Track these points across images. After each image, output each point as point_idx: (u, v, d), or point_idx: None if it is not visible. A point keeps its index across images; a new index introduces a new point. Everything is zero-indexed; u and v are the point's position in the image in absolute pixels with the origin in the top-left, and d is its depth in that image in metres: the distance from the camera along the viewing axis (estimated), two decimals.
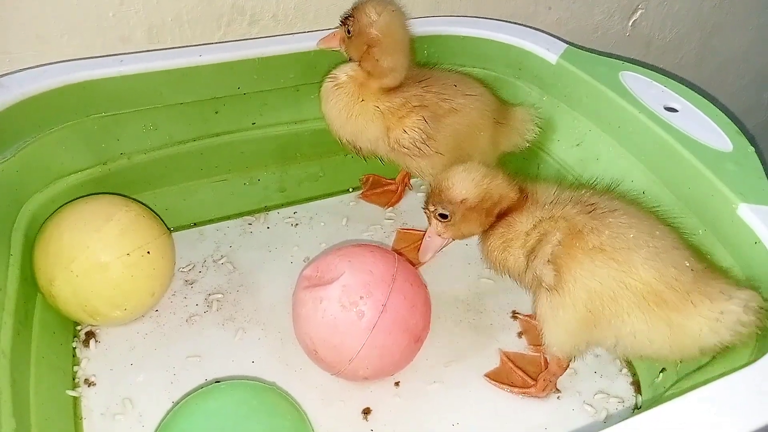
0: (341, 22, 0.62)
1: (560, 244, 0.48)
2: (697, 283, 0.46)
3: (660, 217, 0.52)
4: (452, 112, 0.62)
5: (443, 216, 0.55)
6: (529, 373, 0.58)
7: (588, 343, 0.51)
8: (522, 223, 0.53)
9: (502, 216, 0.54)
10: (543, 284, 0.49)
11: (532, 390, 0.56)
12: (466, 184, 0.53)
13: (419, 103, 0.61)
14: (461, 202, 0.53)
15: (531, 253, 0.51)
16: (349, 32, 0.61)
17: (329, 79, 0.64)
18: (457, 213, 0.54)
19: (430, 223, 0.57)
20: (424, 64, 0.71)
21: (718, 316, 0.44)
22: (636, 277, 0.46)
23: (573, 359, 0.56)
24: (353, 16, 0.61)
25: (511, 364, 0.59)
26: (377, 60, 0.61)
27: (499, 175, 0.54)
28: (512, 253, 0.53)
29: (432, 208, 0.55)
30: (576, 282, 0.48)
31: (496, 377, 0.58)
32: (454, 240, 0.58)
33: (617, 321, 0.47)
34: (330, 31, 0.65)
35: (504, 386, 0.57)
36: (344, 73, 0.63)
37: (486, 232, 0.56)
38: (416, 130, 0.61)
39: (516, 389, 0.57)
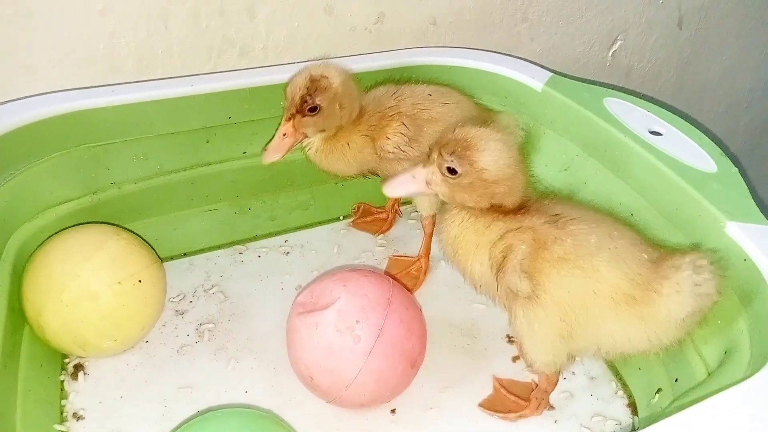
0: (296, 112, 0.60)
1: (527, 257, 0.48)
2: (654, 271, 0.46)
3: (615, 216, 0.53)
4: (431, 121, 0.63)
5: (451, 171, 0.49)
6: (522, 398, 0.58)
7: (569, 354, 0.51)
8: (495, 229, 0.50)
9: (488, 210, 0.51)
10: (519, 295, 0.49)
11: (527, 411, 0.56)
12: (497, 156, 0.49)
13: (396, 112, 0.63)
14: (481, 170, 0.48)
15: (498, 267, 0.49)
16: (315, 109, 0.60)
17: (307, 149, 0.65)
18: (467, 177, 0.49)
19: (424, 165, 0.51)
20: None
21: (676, 289, 0.45)
22: (602, 281, 0.46)
23: (560, 373, 0.56)
24: (315, 93, 0.60)
25: (504, 391, 0.59)
26: (346, 110, 0.62)
27: (523, 167, 0.51)
28: (478, 258, 0.51)
29: (446, 158, 0.49)
30: (546, 294, 0.48)
31: (490, 406, 0.57)
32: (431, 195, 0.53)
33: (593, 327, 0.48)
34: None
35: (498, 413, 0.57)
36: (315, 138, 0.64)
37: (456, 220, 0.52)
38: (398, 134, 0.62)
39: (511, 415, 0.57)
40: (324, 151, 0.64)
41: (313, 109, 0.60)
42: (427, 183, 0.51)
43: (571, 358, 0.52)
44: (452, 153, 0.49)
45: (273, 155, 0.62)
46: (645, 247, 0.49)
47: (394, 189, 0.53)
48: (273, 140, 0.62)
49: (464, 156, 0.49)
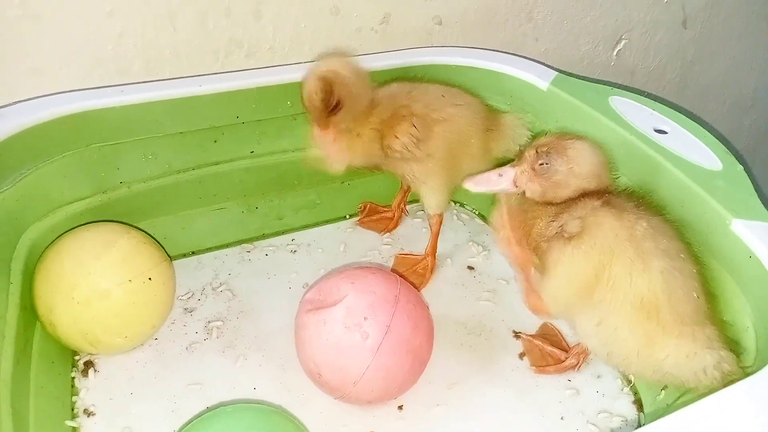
0: (328, 116, 0.61)
1: (595, 209, 0.49)
2: (693, 317, 0.47)
3: (690, 249, 0.52)
4: (442, 121, 0.64)
5: (543, 165, 0.54)
6: (558, 348, 0.61)
7: (576, 308, 0.51)
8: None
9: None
10: (564, 233, 0.49)
11: (567, 363, 0.60)
12: (591, 158, 0.53)
13: (408, 113, 0.63)
14: (571, 168, 0.53)
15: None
16: (338, 104, 0.60)
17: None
18: (559, 174, 0.53)
19: (513, 165, 0.56)
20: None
21: (688, 354, 0.46)
22: (645, 278, 0.47)
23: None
24: (332, 91, 0.60)
25: (538, 341, 0.61)
26: (362, 92, 0.62)
27: (608, 167, 0.55)
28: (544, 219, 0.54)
29: (541, 152, 0.53)
30: (596, 240, 0.48)
31: (537, 362, 0.60)
32: (517, 192, 0.56)
33: (611, 301, 0.48)
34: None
35: (548, 368, 0.59)
36: None
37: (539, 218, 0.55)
38: (407, 134, 0.62)
39: (550, 368, 0.59)
40: (335, 143, 0.64)
41: (337, 105, 0.60)
42: (514, 182, 0.55)
43: (573, 312, 0.52)
44: (548, 152, 0.53)
45: (338, 164, 0.63)
46: (700, 289, 0.48)
47: (477, 185, 0.56)
48: (325, 152, 0.63)
49: (558, 154, 0.53)
